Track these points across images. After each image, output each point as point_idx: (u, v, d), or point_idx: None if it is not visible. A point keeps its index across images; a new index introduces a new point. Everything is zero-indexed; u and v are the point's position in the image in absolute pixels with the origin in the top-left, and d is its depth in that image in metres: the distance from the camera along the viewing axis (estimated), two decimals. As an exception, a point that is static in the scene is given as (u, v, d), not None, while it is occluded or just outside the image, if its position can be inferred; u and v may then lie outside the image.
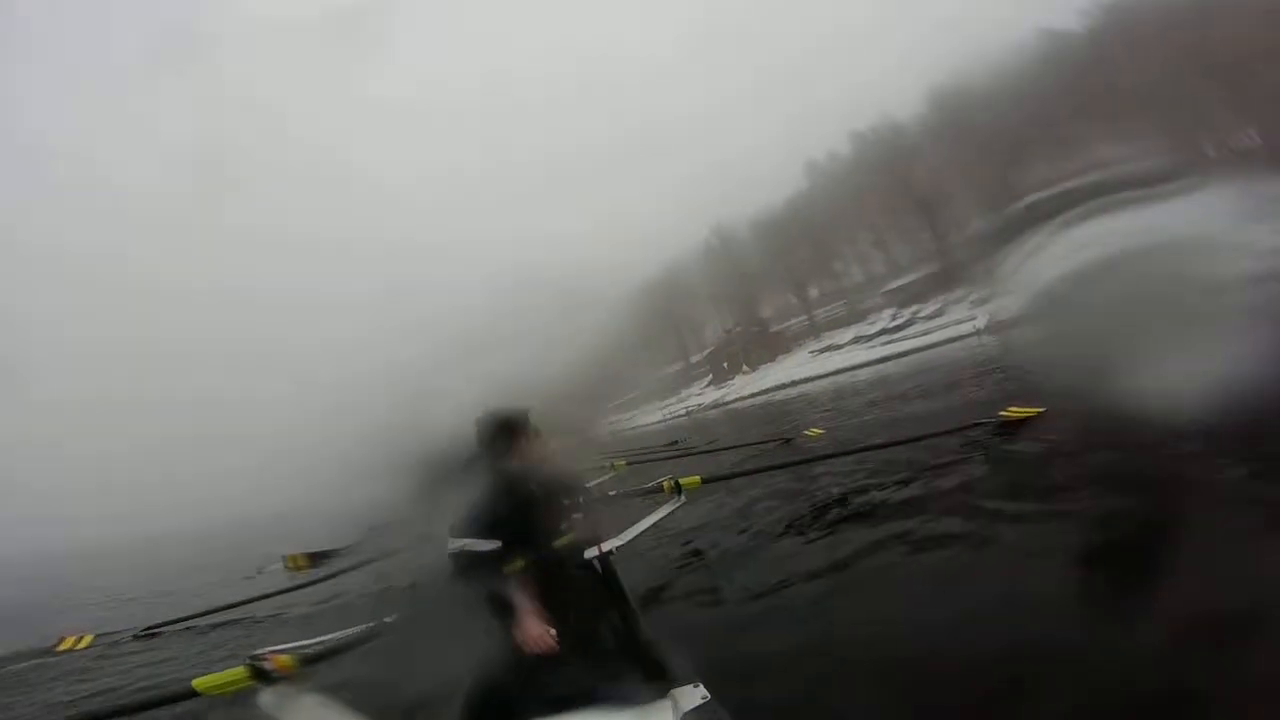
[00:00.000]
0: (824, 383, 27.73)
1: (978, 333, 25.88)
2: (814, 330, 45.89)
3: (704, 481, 4.30)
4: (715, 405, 41.66)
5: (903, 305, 38.16)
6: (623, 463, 9.15)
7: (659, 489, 4.24)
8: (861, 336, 39.60)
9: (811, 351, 43.06)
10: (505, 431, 2.27)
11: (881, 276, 43.30)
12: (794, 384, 34.11)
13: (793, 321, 48.59)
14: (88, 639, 5.39)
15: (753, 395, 37.28)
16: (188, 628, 5.35)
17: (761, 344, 47.48)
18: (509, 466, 2.23)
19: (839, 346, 40.72)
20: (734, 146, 61.05)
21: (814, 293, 47.79)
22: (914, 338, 32.87)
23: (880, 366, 27.08)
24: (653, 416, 46.59)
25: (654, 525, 3.97)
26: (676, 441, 14.35)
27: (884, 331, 37.93)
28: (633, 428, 42.35)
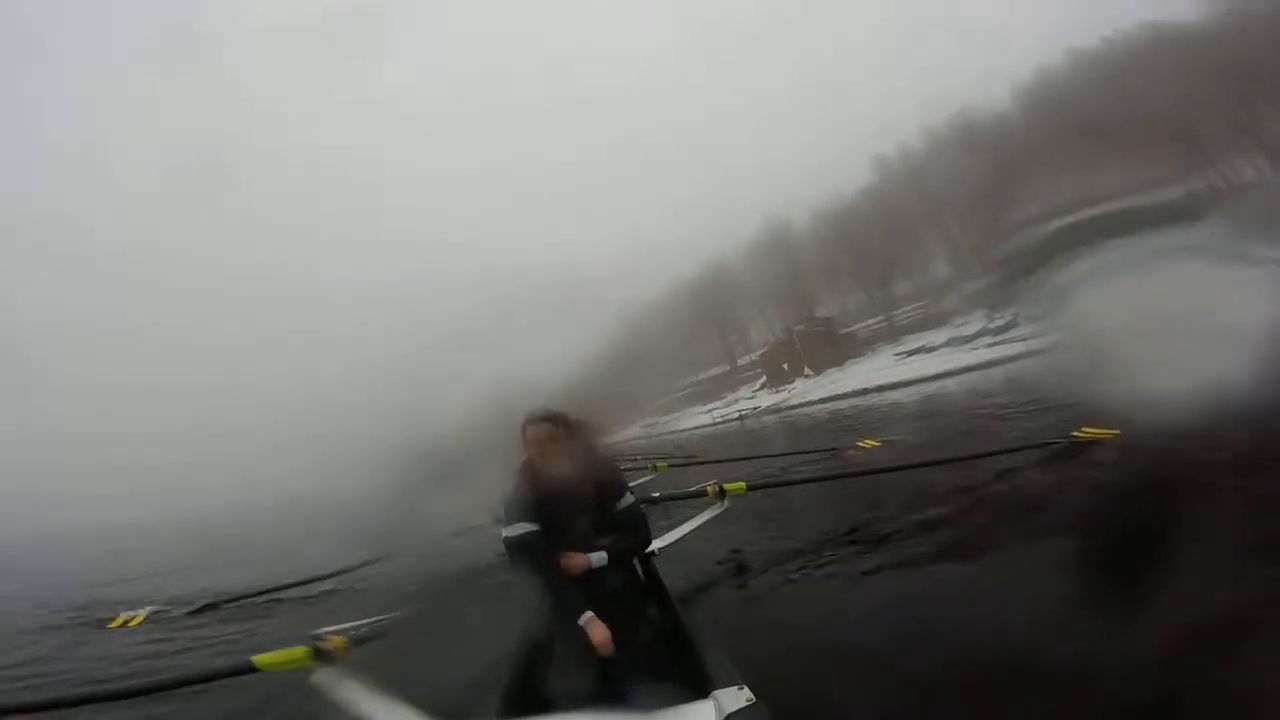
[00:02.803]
0: (910, 390, 27.50)
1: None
2: (892, 332, 45.91)
3: (750, 488, 4.82)
4: (774, 410, 41.88)
5: (994, 307, 37.57)
6: (665, 464, 9.96)
7: (703, 493, 4.80)
8: (957, 339, 38.96)
9: (897, 354, 42.63)
10: (542, 427, 2.64)
11: (964, 276, 43.38)
12: (877, 389, 33.98)
13: (864, 324, 48.87)
14: (141, 615, 6.42)
15: (822, 400, 37.37)
16: (236, 606, 6.39)
17: (827, 345, 47.37)
18: (545, 463, 2.58)
19: (932, 349, 40.17)
20: (789, 143, 62.54)
21: (895, 292, 48.03)
22: (1018, 341, 32.09)
23: (981, 373, 26.76)
24: (699, 420, 47.38)
25: (697, 528, 4.56)
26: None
27: (984, 333, 37.16)
28: (673, 431, 43.41)
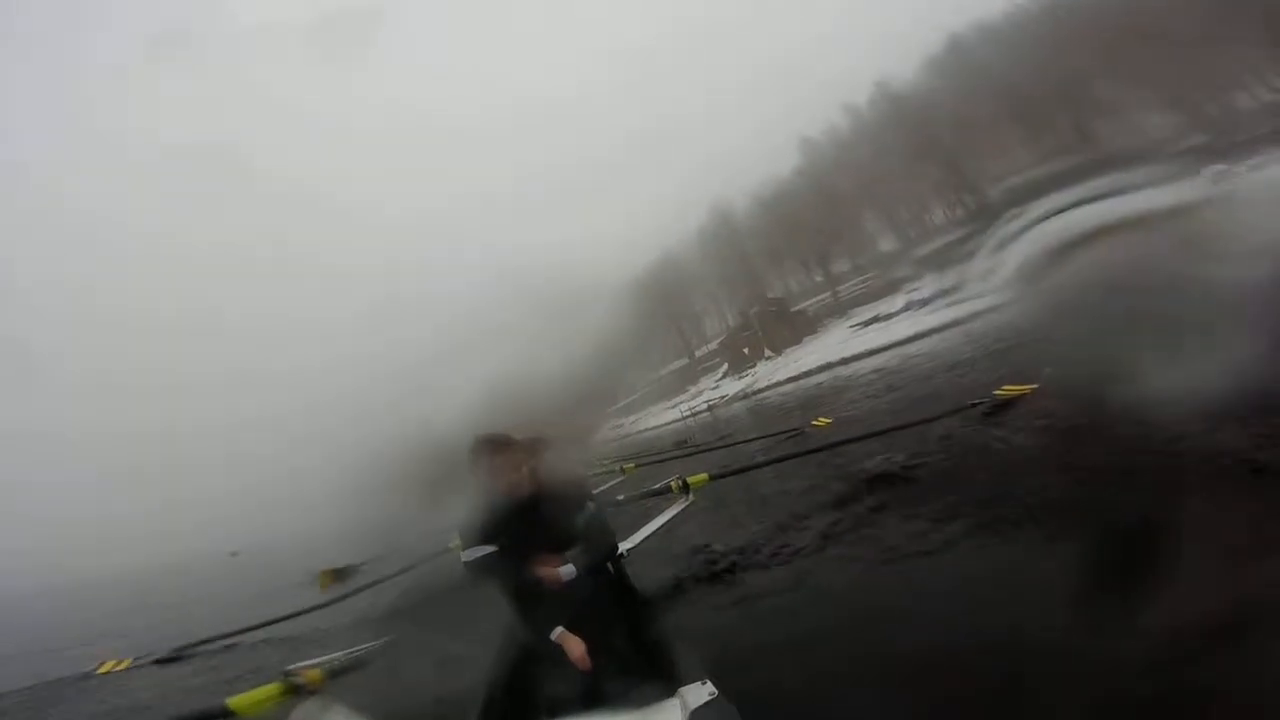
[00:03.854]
0: (877, 359, 28.23)
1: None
2: (839, 307, 48.27)
3: (712, 478, 5.24)
4: (743, 396, 42.89)
5: (942, 270, 39.61)
6: (632, 465, 10.55)
7: (667, 489, 5.23)
8: (915, 303, 40.59)
9: (852, 326, 44.25)
10: (486, 454, 2.75)
11: (906, 245, 46.46)
12: (842, 362, 35.12)
13: (813, 301, 51.62)
14: (126, 662, 6.84)
15: (790, 379, 38.46)
16: (220, 647, 6.70)
17: (782, 325, 49.02)
18: (500, 484, 2.71)
19: (889, 316, 41.81)
20: (725, 139, 69.28)
21: (840, 267, 51.08)
22: (975, 299, 33.59)
23: (941, 335, 27.82)
24: (666, 416, 48.38)
25: (664, 525, 4.88)
26: (685, 441, 16.03)
27: (940, 294, 38.81)
28: (640, 430, 44.11)
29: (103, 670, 6.81)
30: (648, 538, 4.71)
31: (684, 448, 13.70)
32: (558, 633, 2.37)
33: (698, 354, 58.37)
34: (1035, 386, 5.80)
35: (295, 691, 2.78)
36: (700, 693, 1.84)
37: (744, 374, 49.16)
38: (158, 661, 6.69)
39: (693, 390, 54.08)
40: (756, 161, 57.08)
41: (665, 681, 2.05)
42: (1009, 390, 5.90)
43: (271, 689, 2.80)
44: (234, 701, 2.81)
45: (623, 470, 10.55)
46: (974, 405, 5.96)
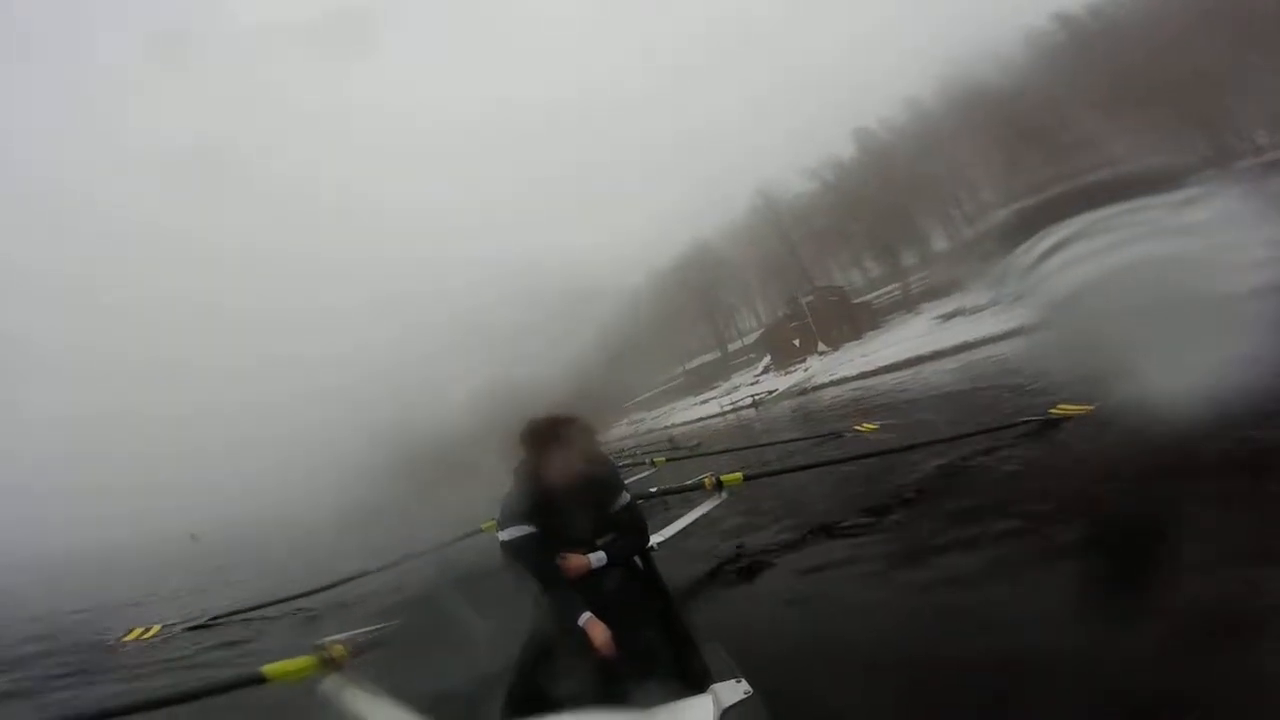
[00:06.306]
0: (958, 358, 27.58)
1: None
2: (908, 301, 48.33)
3: (746, 478, 5.58)
4: (799, 391, 41.86)
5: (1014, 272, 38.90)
6: (662, 459, 11.21)
7: (700, 485, 5.60)
8: (1003, 295, 39.77)
9: (935, 318, 43.70)
10: (535, 438, 2.98)
11: (979, 239, 46.14)
12: (933, 356, 33.70)
13: (878, 293, 51.74)
14: (154, 629, 7.53)
15: (861, 375, 37.26)
16: (245, 619, 7.41)
17: (841, 316, 48.30)
18: (542, 468, 2.93)
19: (976, 310, 41.20)
20: (784, 125, 69.89)
21: (906, 260, 51.48)
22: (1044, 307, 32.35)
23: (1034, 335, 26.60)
24: (694, 412, 48.75)
25: (695, 521, 5.29)
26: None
27: (1026, 292, 37.89)
28: (665, 426, 44.41)
29: (130, 637, 7.43)
30: (677, 533, 5.07)
31: (716, 445, 14.45)
32: (585, 618, 2.57)
33: (731, 348, 58.82)
34: (1093, 407, 6.08)
35: (326, 664, 3.03)
36: (734, 690, 1.96)
37: (791, 369, 49.03)
38: (189, 629, 7.37)
39: (724, 385, 54.83)
40: (812, 148, 57.61)
41: (696, 677, 2.23)
42: (1064, 409, 6.20)
43: (306, 660, 3.05)
44: (269, 669, 3.09)
45: (653, 463, 11.25)
46: (1025, 422, 6.28)
